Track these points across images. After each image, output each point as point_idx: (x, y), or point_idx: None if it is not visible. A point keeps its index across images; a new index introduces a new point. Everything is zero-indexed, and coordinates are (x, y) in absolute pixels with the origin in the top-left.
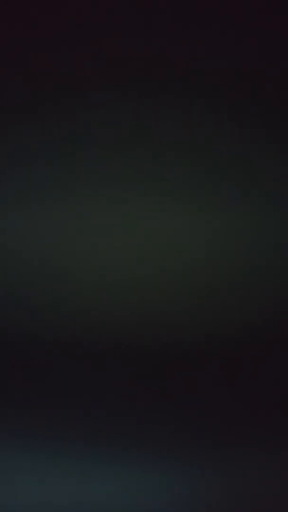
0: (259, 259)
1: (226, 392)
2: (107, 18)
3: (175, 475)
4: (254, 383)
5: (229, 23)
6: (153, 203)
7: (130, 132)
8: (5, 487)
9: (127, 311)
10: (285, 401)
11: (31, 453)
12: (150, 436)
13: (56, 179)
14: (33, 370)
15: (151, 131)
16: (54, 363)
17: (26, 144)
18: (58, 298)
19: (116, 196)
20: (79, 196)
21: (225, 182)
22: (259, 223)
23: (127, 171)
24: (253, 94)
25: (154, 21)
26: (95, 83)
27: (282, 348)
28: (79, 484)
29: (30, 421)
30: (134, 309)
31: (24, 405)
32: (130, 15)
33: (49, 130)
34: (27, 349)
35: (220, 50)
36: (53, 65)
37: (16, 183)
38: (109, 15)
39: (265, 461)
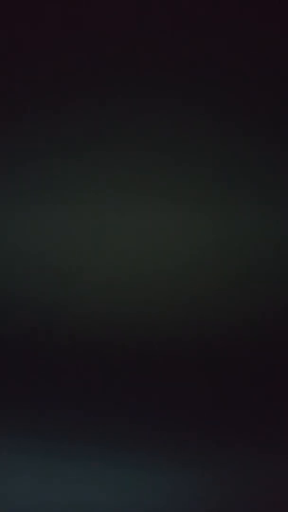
0: (259, 259)
1: (227, 392)
2: (108, 20)
3: (175, 475)
4: (254, 382)
5: (229, 24)
6: (153, 203)
7: (130, 132)
8: (4, 487)
9: (127, 311)
10: (285, 400)
11: (30, 453)
12: (150, 436)
13: (56, 180)
14: (33, 370)
15: (151, 131)
16: (54, 363)
17: (26, 145)
18: (58, 298)
19: (116, 196)
20: (79, 196)
21: (225, 182)
22: (259, 223)
23: (127, 171)
24: (253, 94)
25: (155, 23)
26: (96, 85)
27: (283, 348)
28: (79, 484)
29: (30, 421)
30: (134, 309)
31: (24, 405)
32: (130, 17)
33: (50, 131)
34: (27, 348)
35: (219, 50)
36: (54, 66)
37: (16, 184)
38: (109, 18)
39: (265, 460)
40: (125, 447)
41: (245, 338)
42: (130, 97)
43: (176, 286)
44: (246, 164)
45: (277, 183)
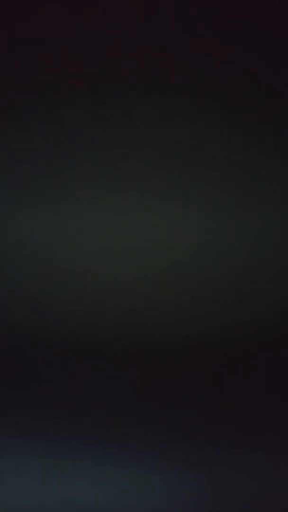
0: (258, 259)
1: (226, 391)
2: (108, 21)
3: (175, 475)
4: (254, 382)
5: (230, 26)
6: (153, 203)
7: (130, 133)
8: (4, 487)
9: (127, 310)
10: (285, 400)
11: (30, 453)
12: (150, 436)
13: (56, 180)
14: (33, 370)
15: (151, 131)
16: (53, 363)
17: (26, 145)
18: (57, 298)
19: (116, 196)
20: (78, 196)
21: (225, 183)
22: (259, 223)
23: (127, 172)
24: (254, 95)
25: (155, 24)
26: (96, 85)
27: (283, 348)
28: (79, 484)
29: (30, 421)
30: (134, 309)
31: (24, 405)
32: (131, 19)
33: (50, 131)
34: (27, 348)
35: (219, 51)
36: (54, 67)
37: (17, 184)
38: (109, 18)
39: (265, 461)
40: (125, 447)
41: (245, 338)
42: (130, 97)
43: (176, 286)
44: (246, 164)
45: (277, 183)
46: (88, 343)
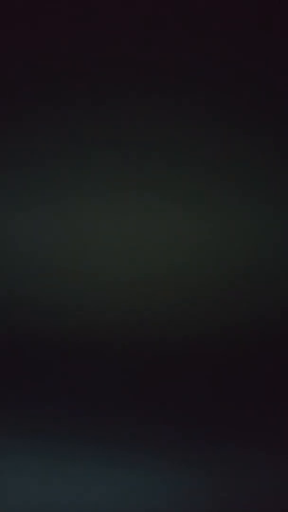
0: (258, 259)
1: (226, 391)
2: (109, 21)
3: (175, 475)
4: (254, 382)
5: (229, 26)
6: (153, 203)
7: (130, 133)
8: (4, 487)
9: (128, 310)
10: (285, 400)
11: (30, 453)
12: (150, 436)
13: (56, 180)
14: (33, 370)
15: (151, 131)
16: (54, 363)
17: (26, 145)
18: (58, 298)
19: (116, 197)
20: (78, 196)
21: (225, 182)
22: (258, 224)
23: (127, 172)
24: (253, 95)
25: (155, 24)
26: (96, 85)
27: (282, 347)
28: (79, 484)
29: (30, 421)
30: (134, 309)
31: (24, 405)
32: (131, 19)
33: (50, 131)
34: (27, 348)
35: (220, 53)
36: (54, 67)
37: (17, 184)
38: (110, 19)
39: (265, 461)
40: (125, 447)
41: (245, 338)
42: (130, 97)
43: (176, 286)
44: (246, 164)
45: (277, 183)
46: (88, 343)
